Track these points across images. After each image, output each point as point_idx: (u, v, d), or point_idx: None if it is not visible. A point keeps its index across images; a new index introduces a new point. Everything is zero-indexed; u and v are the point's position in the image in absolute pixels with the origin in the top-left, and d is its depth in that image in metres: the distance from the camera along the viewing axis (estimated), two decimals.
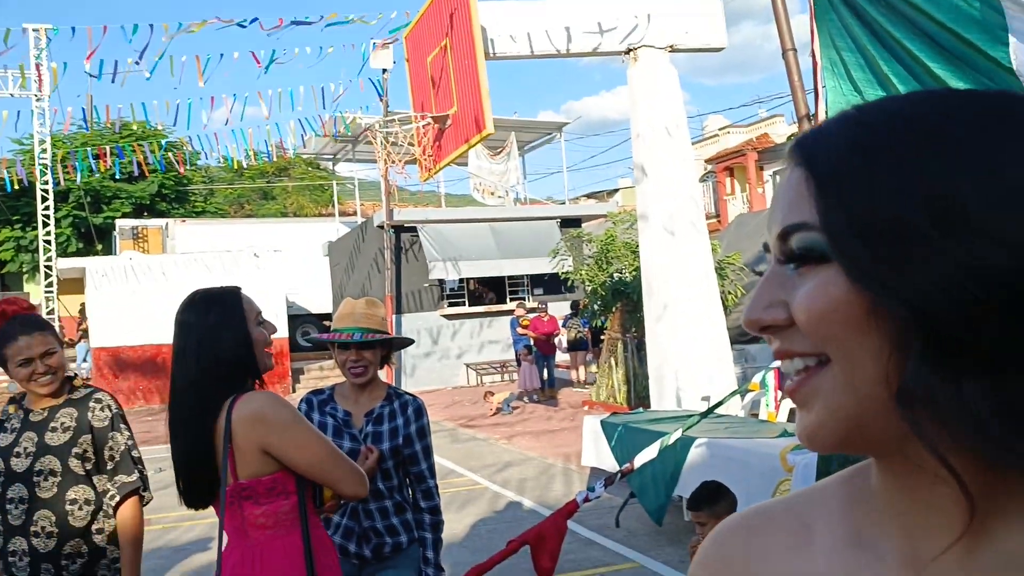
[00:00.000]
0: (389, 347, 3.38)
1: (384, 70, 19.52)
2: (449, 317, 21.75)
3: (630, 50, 9.28)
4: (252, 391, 2.55)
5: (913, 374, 0.60)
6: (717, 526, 0.85)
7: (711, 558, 0.83)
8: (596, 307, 15.86)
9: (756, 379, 9.29)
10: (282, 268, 23.54)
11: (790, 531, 0.78)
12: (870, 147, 0.64)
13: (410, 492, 3.38)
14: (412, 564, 3.29)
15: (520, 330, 17.58)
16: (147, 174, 26.59)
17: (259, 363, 2.61)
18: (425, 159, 12.00)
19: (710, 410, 5.96)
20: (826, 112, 2.21)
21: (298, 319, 25.37)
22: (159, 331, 21.55)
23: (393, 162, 13.77)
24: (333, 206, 33.84)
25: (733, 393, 5.89)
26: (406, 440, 3.26)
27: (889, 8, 1.87)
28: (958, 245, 0.59)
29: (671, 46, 9.51)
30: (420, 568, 3.30)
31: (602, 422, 8.24)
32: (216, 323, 2.55)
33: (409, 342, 3.57)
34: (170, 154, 20.41)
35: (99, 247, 29.19)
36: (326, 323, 23.82)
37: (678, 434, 6.31)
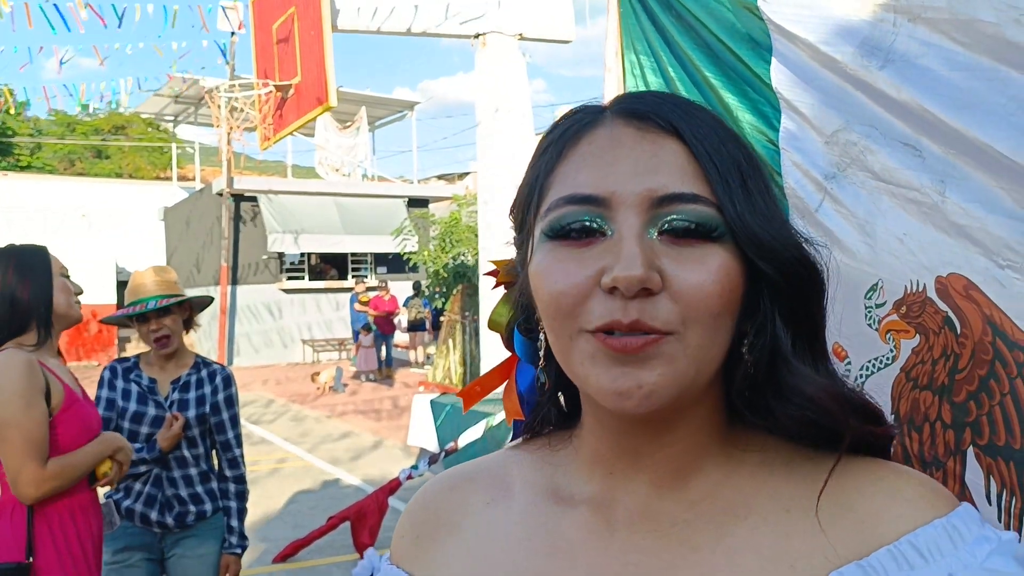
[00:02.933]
0: (190, 310, 3.34)
1: (232, 33, 18.87)
2: (288, 291, 21.31)
3: (479, 35, 9.35)
4: (11, 349, 2.52)
5: (785, 339, 0.72)
6: (424, 484, 0.92)
7: (416, 511, 0.89)
8: (437, 289, 15.90)
9: None
10: (113, 231, 22.42)
11: (489, 488, 0.86)
12: (735, 136, 0.74)
13: (216, 461, 3.37)
14: (216, 533, 3.29)
15: (358, 307, 17.43)
16: None
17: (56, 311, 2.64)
18: (265, 127, 11.71)
19: None
20: None
21: None
22: None
23: (233, 128, 13.36)
24: (172, 170, 32.45)
25: None
26: (213, 408, 3.26)
27: (678, 18, 2.01)
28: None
29: (520, 34, 9.63)
30: (224, 537, 3.30)
31: (431, 402, 8.32)
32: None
33: (209, 301, 3.49)
34: None
35: None
36: None
37: (503, 414, 6.46)
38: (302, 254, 21.54)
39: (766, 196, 0.72)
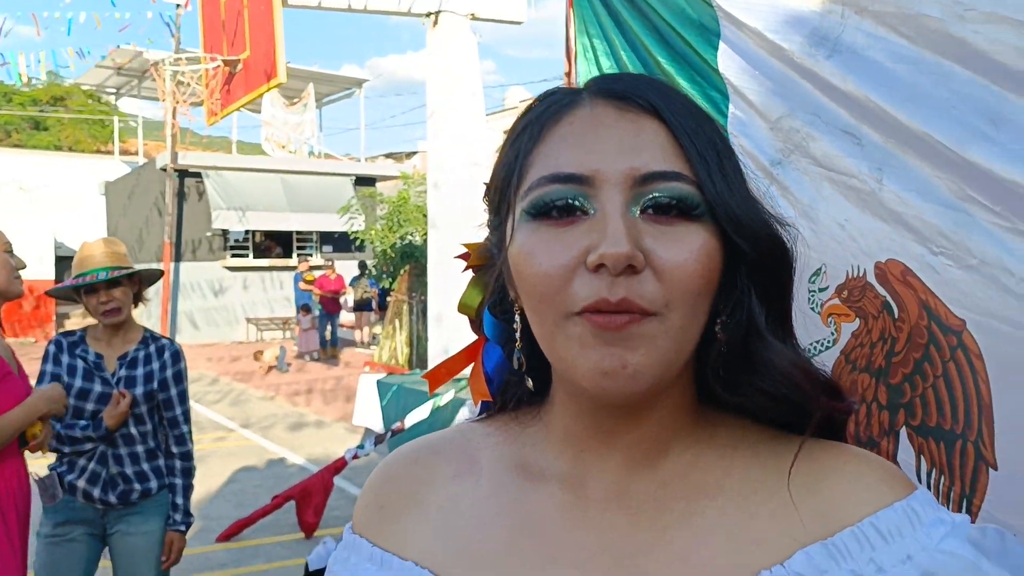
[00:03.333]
0: (139, 284, 3.29)
1: (177, 5, 18.46)
2: (232, 269, 21.00)
3: (431, 14, 9.29)
4: None
5: (762, 316, 0.73)
6: (386, 456, 0.90)
7: (380, 482, 0.88)
8: (384, 268, 15.82)
9: None
10: (52, 205, 21.87)
11: (454, 461, 0.85)
12: (709, 117, 0.75)
13: (163, 438, 3.32)
14: (160, 510, 3.24)
15: (303, 285, 17.28)
16: None
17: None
18: (212, 102, 11.51)
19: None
20: None
21: (68, 260, 23.68)
22: None
23: (179, 102, 13.10)
24: (114, 143, 31.71)
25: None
26: (162, 385, 3.21)
27: (631, 2, 2.03)
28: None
29: (472, 14, 9.59)
30: (168, 514, 3.26)
31: (378, 382, 8.29)
32: None
33: (159, 274, 3.44)
34: None
35: None
36: None
37: (450, 395, 6.47)
38: (246, 231, 21.23)
39: (740, 176, 0.73)
